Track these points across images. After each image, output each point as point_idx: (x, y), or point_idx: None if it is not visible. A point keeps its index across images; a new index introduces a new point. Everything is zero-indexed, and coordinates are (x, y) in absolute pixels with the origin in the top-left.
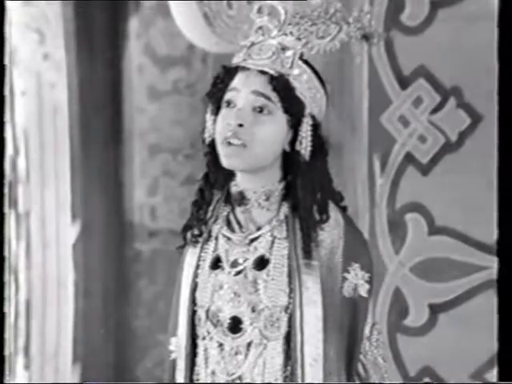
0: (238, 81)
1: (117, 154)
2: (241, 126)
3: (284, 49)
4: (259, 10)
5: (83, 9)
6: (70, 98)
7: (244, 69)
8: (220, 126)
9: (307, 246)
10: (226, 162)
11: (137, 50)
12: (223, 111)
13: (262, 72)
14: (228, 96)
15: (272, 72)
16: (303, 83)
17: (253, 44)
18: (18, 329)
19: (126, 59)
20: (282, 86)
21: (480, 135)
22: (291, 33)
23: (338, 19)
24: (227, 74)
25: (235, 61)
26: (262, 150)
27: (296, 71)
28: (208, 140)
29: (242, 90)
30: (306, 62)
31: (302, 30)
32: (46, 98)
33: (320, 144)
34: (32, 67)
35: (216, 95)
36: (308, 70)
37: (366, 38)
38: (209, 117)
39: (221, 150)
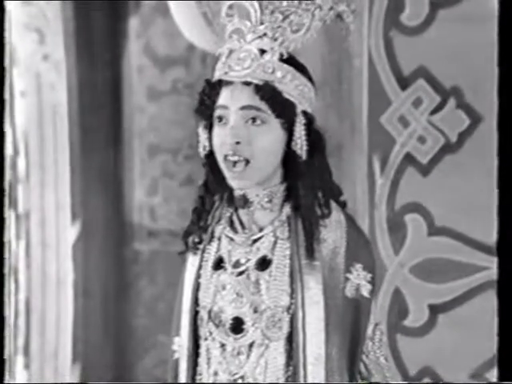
0: (224, 97)
1: (116, 155)
2: (238, 143)
3: (262, 53)
4: (228, 13)
5: (83, 9)
6: (70, 98)
7: (228, 83)
8: (217, 143)
9: (309, 244)
10: (234, 184)
11: (136, 50)
12: (216, 128)
13: (246, 83)
14: (218, 113)
15: (256, 81)
16: (289, 83)
17: (231, 52)
18: (18, 328)
19: (125, 59)
20: (268, 94)
21: (480, 136)
22: (265, 34)
23: (308, 4)
24: (212, 89)
25: (217, 74)
26: (265, 161)
27: (279, 74)
28: (203, 153)
29: (230, 107)
30: (286, 61)
31: (275, 28)
32: (46, 99)
33: (316, 139)
34: (32, 67)
35: (205, 112)
36: (290, 68)
37: (341, 16)
38: (202, 131)
39: (225, 170)
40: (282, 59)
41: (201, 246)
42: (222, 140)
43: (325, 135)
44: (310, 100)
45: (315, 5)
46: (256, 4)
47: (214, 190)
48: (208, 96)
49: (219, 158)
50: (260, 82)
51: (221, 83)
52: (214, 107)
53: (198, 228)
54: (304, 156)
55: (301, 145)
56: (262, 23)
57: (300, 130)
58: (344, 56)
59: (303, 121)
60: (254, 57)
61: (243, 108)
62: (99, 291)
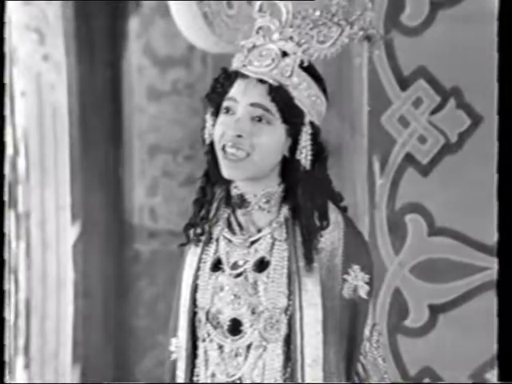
0: (236, 90)
1: (116, 155)
2: (240, 136)
3: (284, 55)
4: (260, 9)
5: (83, 9)
6: (70, 98)
7: (243, 76)
8: (218, 133)
9: (308, 251)
10: (226, 173)
11: (136, 50)
12: (222, 117)
13: (261, 81)
14: (227, 104)
15: (271, 81)
16: (302, 91)
17: (254, 46)
18: (18, 329)
19: (125, 59)
20: (280, 96)
21: (480, 136)
22: (291, 38)
23: (340, 19)
24: (227, 78)
25: (235, 64)
26: (262, 159)
27: (295, 80)
28: (208, 140)
29: (240, 101)
30: (306, 69)
31: (302, 34)
32: (46, 99)
33: (320, 150)
34: (32, 67)
35: (215, 100)
36: (308, 78)
37: (369, 38)
38: (209, 117)
39: (220, 159)
40: (301, 66)
41: (202, 239)
42: (224, 129)
43: (327, 148)
44: (319, 112)
45: (347, 21)
46: (290, 6)
47: (215, 178)
48: (221, 84)
49: (217, 146)
50: (275, 83)
51: (236, 75)
52: (224, 96)
53: (200, 219)
54: (308, 166)
55: (305, 154)
56: (291, 26)
57: (306, 140)
58: (344, 56)
59: (310, 131)
60: (275, 57)
61: (252, 105)
62: (99, 291)
